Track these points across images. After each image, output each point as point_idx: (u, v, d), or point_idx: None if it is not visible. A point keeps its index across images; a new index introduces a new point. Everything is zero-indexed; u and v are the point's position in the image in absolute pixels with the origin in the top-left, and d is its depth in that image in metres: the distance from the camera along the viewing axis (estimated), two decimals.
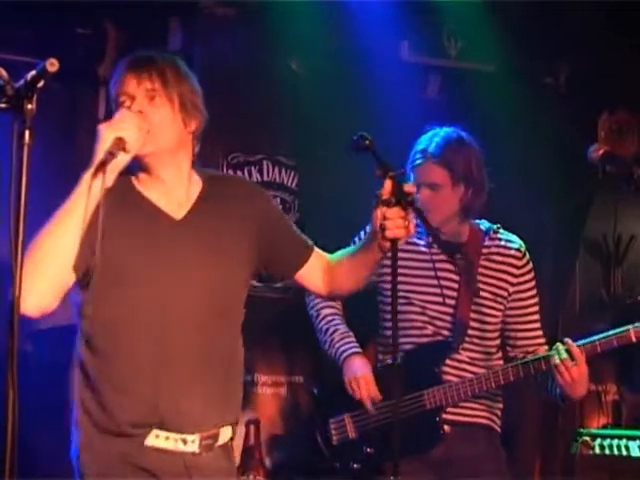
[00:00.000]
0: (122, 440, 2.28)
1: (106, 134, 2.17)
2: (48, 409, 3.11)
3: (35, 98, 1.79)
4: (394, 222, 2.25)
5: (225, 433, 2.39)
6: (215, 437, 2.36)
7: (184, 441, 2.30)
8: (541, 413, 4.55)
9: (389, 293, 3.20)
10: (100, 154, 2.15)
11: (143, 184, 2.36)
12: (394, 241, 2.28)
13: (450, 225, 3.28)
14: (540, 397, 3.88)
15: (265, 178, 4.42)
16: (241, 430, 4.00)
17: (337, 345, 3.37)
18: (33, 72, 1.77)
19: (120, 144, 2.15)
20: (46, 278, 2.16)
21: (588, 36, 4.28)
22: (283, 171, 4.47)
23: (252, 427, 4.02)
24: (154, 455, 2.29)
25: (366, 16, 4.07)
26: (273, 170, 4.45)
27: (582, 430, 3.83)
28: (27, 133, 1.78)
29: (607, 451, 3.67)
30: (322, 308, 3.44)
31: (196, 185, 2.42)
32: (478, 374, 3.24)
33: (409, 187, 2.29)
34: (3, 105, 1.80)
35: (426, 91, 4.53)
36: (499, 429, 3.36)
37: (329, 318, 3.43)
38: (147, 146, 2.25)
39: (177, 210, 2.37)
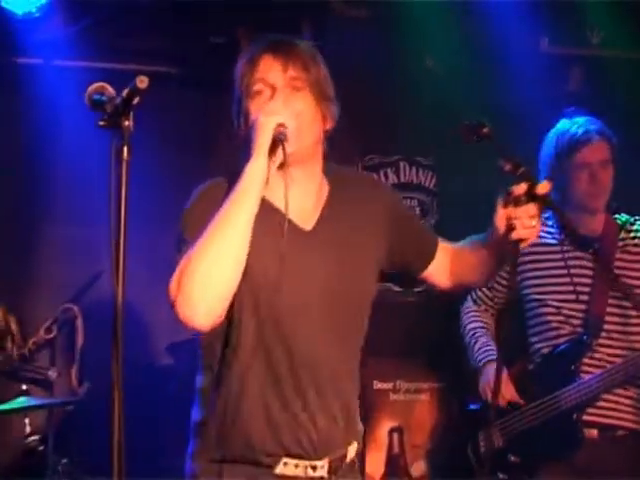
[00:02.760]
0: (249, 468, 2.18)
1: (266, 121, 2.04)
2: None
3: (132, 114, 1.78)
4: (522, 222, 2.10)
5: (351, 451, 2.30)
6: (343, 458, 2.26)
7: (314, 468, 2.20)
8: None
9: (530, 298, 3.34)
10: (263, 141, 2.03)
11: (272, 190, 2.13)
12: (518, 243, 2.13)
13: (584, 217, 3.29)
14: None
15: (402, 179, 4.43)
16: (384, 439, 4.08)
17: (476, 355, 3.47)
18: (127, 89, 1.77)
19: (283, 130, 2.04)
20: (225, 278, 2.01)
21: None
22: (420, 171, 4.45)
23: (395, 435, 4.05)
24: None
25: (501, 9, 4.01)
26: (410, 171, 4.44)
27: None
28: (125, 150, 1.78)
29: None
30: (468, 323, 3.54)
31: (324, 189, 2.28)
32: (610, 366, 3.18)
33: (544, 186, 2.10)
34: (102, 122, 1.79)
35: (568, 84, 4.46)
36: None
37: (472, 332, 3.52)
38: (290, 144, 2.08)
39: (306, 219, 2.22)
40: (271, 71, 2.12)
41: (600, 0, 4.05)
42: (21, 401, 3.45)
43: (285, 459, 2.16)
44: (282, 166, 2.09)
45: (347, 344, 2.26)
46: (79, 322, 3.83)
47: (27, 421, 3.57)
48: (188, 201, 2.19)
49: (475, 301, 3.53)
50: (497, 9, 4.01)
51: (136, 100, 1.76)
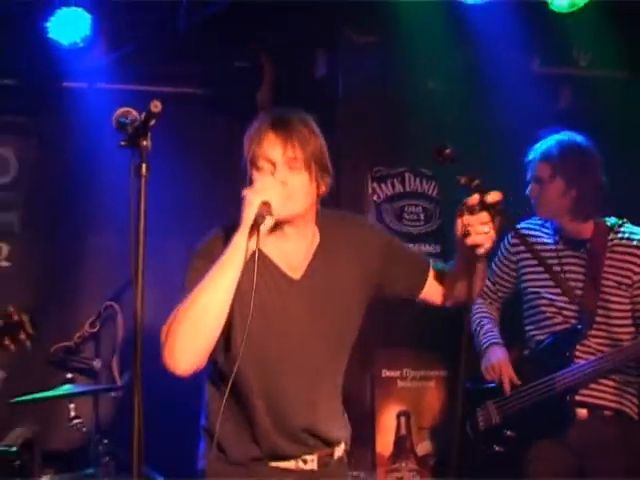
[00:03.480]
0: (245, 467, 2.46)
1: (252, 199, 2.19)
2: None
3: (150, 135, 1.88)
4: (475, 229, 2.19)
5: (339, 450, 2.53)
6: (331, 454, 2.50)
7: (304, 461, 2.45)
8: None
9: (527, 291, 3.55)
10: (248, 218, 2.18)
11: (264, 241, 2.27)
12: (474, 248, 2.21)
13: (566, 223, 3.45)
14: None
15: (407, 189, 4.58)
16: (392, 422, 4.26)
17: (480, 339, 3.64)
18: (144, 113, 1.88)
19: (267, 208, 2.18)
20: (203, 337, 2.20)
21: None
22: (424, 181, 4.58)
23: (403, 419, 4.25)
24: (276, 473, 2.44)
25: (497, 34, 4.13)
26: (415, 181, 4.58)
27: None
28: (143, 167, 1.89)
29: None
30: (475, 313, 3.70)
31: (315, 241, 2.43)
32: (603, 353, 3.35)
33: (494, 196, 2.20)
34: (124, 143, 1.91)
35: (558, 102, 4.59)
36: (635, 416, 3.43)
37: (478, 320, 3.69)
38: (283, 211, 2.25)
39: (296, 268, 2.39)
40: (272, 149, 2.27)
41: (587, 24, 4.09)
42: (65, 388, 3.66)
43: (272, 462, 2.42)
44: (276, 225, 2.28)
45: (329, 376, 2.47)
46: (119, 318, 4.07)
47: (72, 406, 3.71)
48: (199, 243, 2.37)
49: (481, 295, 3.66)
50: (493, 34, 4.11)
51: (152, 122, 1.87)
